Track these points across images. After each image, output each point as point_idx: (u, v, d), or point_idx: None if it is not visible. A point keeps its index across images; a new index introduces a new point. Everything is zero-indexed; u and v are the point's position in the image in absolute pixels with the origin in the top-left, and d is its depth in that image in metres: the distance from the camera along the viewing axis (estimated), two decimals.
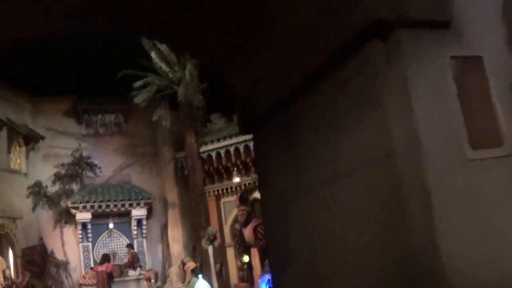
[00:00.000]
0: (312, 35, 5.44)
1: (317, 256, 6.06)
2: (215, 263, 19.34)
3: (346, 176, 5.42)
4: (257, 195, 22.69)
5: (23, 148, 26.51)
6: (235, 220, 26.15)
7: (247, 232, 15.43)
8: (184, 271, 20.70)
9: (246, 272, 22.11)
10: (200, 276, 16.21)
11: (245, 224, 15.49)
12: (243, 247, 15.69)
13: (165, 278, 24.72)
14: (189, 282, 18.89)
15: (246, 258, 15.47)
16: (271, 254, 7.55)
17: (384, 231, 4.84)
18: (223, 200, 27.06)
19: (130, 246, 25.89)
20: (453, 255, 4.18)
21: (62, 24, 6.92)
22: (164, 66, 24.27)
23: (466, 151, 4.45)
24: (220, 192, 27.01)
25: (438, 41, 4.64)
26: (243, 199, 15.95)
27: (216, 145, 26.14)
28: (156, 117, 24.92)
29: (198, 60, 10.70)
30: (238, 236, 15.89)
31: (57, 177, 26.44)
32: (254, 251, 15.68)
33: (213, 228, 21.57)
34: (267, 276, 13.77)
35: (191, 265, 19.44)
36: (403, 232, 4.56)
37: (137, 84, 24.09)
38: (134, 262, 25.21)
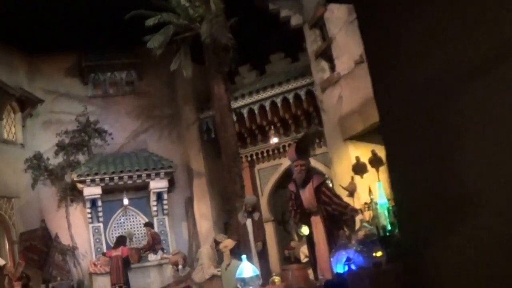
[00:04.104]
0: None
1: None
2: (256, 240, 15.56)
3: None
4: None
5: (19, 115, 22.91)
6: (278, 186, 22.67)
7: (307, 195, 11.35)
8: (218, 252, 16.72)
9: (292, 251, 18.12)
10: (243, 257, 11.97)
11: (304, 184, 11.38)
12: (300, 215, 11.47)
13: (192, 262, 21.23)
14: (228, 265, 14.71)
15: (305, 230, 11.19)
16: (412, 208, 4.07)
17: None
18: (257, 167, 23.32)
19: (149, 225, 22.25)
20: None
21: None
22: (182, 0, 19.91)
23: None
24: (254, 157, 23.13)
25: None
26: (302, 149, 11.59)
27: (248, 100, 22.18)
28: (175, 66, 20.54)
29: None
30: (293, 200, 11.64)
31: (60, 147, 23.08)
32: (316, 221, 11.31)
33: (252, 196, 17.50)
34: (344, 254, 9.45)
35: (228, 243, 15.29)
36: None
37: (150, 21, 19.71)
38: (154, 244, 21.71)
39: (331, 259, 9.87)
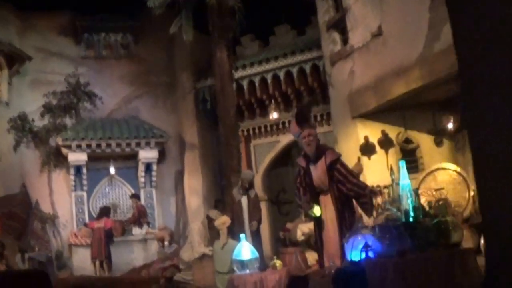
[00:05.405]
0: None
1: None
2: (251, 219, 14.30)
3: None
4: None
5: (5, 71, 21.49)
6: (274, 164, 21.73)
7: (318, 171, 10.02)
8: (210, 230, 15.61)
9: (288, 234, 16.94)
10: (242, 236, 10.80)
11: (316, 159, 10.06)
12: (310, 194, 10.13)
13: (179, 239, 20.34)
14: (224, 244, 13.57)
15: (317, 211, 9.89)
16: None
17: None
18: (254, 142, 22.25)
19: (135, 196, 21.16)
20: None
21: None
22: None
23: None
24: (251, 132, 22.10)
25: None
26: (303, 116, 10.28)
27: (249, 71, 20.99)
28: (175, 29, 19.47)
29: None
30: (301, 176, 10.31)
31: (47, 109, 21.85)
32: (326, 201, 10.02)
33: (249, 172, 16.44)
34: (360, 239, 8.24)
35: (225, 220, 14.12)
36: None
37: None
38: (140, 217, 20.61)
39: (345, 245, 8.64)
